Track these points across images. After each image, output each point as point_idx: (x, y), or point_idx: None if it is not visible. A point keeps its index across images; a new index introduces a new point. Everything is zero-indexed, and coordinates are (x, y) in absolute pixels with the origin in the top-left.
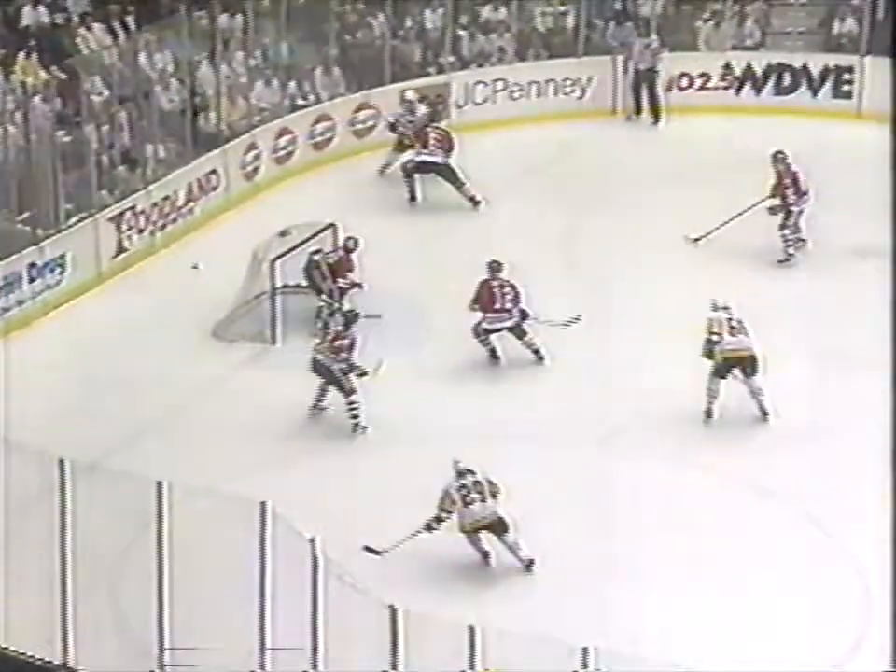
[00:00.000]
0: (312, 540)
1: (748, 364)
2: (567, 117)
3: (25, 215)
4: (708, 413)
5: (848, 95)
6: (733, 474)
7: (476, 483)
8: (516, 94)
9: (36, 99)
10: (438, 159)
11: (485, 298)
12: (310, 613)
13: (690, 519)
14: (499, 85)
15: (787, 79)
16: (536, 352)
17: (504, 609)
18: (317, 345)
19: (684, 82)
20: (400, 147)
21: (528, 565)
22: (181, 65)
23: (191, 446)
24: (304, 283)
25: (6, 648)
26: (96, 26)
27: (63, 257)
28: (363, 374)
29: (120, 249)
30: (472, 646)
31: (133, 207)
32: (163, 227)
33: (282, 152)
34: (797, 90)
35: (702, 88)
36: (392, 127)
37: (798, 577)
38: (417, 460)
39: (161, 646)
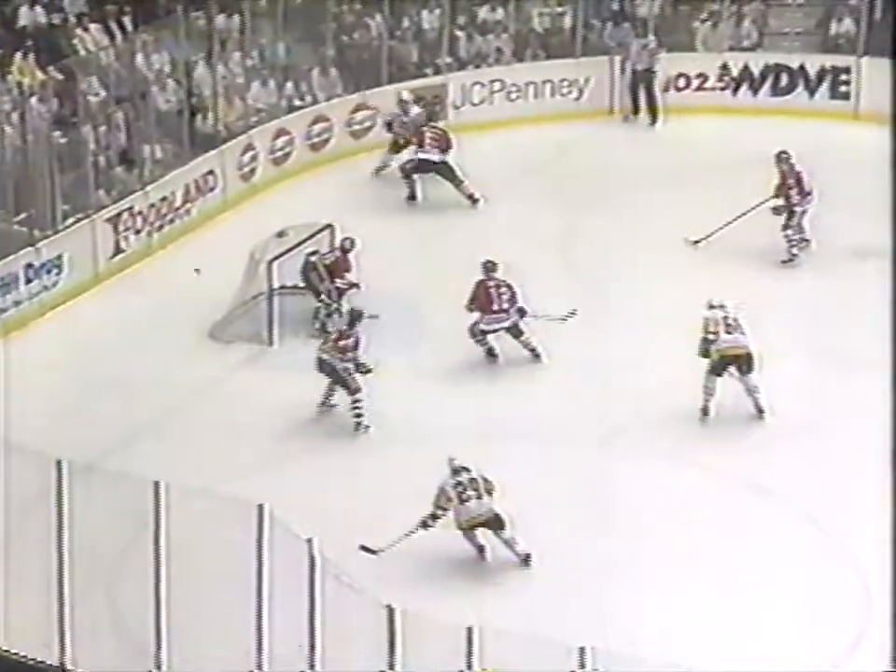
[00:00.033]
0: (309, 541)
1: (743, 362)
2: (565, 117)
3: (22, 216)
4: (705, 411)
5: (846, 96)
6: (730, 472)
7: (472, 479)
8: (514, 95)
9: (33, 99)
10: (435, 157)
11: (483, 299)
12: (307, 613)
13: (687, 518)
14: (497, 86)
15: (784, 80)
16: (532, 351)
17: (501, 608)
18: (322, 345)
19: (681, 83)
20: (395, 147)
21: (525, 559)
22: (178, 66)
23: (188, 447)
24: (301, 284)
25: (5, 650)
26: (93, 27)
27: (59, 258)
28: (368, 371)
29: (117, 250)
30: (470, 646)
31: (130, 208)
32: (160, 228)
33: (279, 153)
34: (794, 90)
35: (699, 88)
36: (388, 127)
37: (796, 576)
38: (415, 460)
39: (158, 646)
